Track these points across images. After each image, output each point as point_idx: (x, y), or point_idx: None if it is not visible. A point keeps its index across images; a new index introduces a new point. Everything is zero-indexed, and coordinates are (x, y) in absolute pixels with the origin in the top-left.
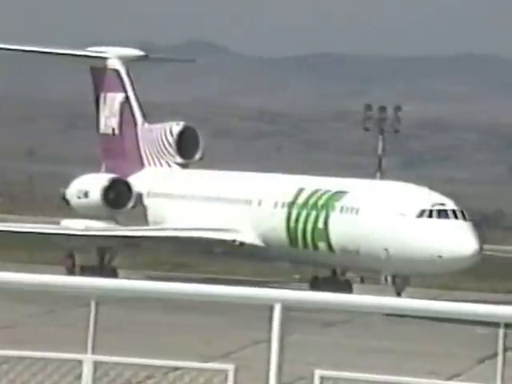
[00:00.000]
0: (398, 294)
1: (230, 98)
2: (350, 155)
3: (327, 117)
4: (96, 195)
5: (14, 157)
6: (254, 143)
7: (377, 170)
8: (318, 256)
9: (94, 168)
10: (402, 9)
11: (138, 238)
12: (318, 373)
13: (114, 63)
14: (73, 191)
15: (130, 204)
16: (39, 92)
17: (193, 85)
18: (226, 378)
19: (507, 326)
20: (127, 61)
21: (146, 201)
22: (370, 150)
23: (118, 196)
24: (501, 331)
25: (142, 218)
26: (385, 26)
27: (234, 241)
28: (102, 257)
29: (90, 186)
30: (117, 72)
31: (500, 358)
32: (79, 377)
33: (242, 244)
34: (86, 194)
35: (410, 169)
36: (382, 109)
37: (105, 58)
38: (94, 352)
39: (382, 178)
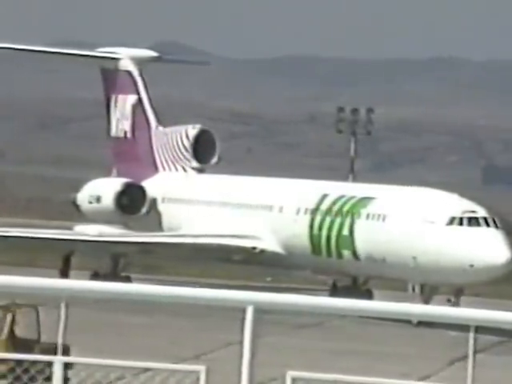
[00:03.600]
0: (426, 303)
1: (201, 99)
2: (322, 157)
3: (299, 119)
4: (108, 200)
5: None
6: (224, 145)
7: (349, 171)
8: (343, 264)
9: (66, 168)
10: (374, 12)
11: (154, 244)
12: (290, 374)
13: (127, 64)
14: (84, 196)
15: (144, 209)
16: (8, 92)
17: (164, 85)
18: (197, 380)
19: (477, 329)
20: (140, 62)
21: (161, 206)
22: (342, 152)
23: (132, 201)
24: (471, 334)
25: (156, 224)
26: (358, 28)
27: (254, 248)
28: (115, 263)
29: (102, 190)
30: (129, 73)
31: (470, 360)
32: (49, 378)
33: (262, 251)
34: (98, 199)
35: (381, 171)
36: (355, 111)
37: (117, 59)
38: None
39: (355, 180)
